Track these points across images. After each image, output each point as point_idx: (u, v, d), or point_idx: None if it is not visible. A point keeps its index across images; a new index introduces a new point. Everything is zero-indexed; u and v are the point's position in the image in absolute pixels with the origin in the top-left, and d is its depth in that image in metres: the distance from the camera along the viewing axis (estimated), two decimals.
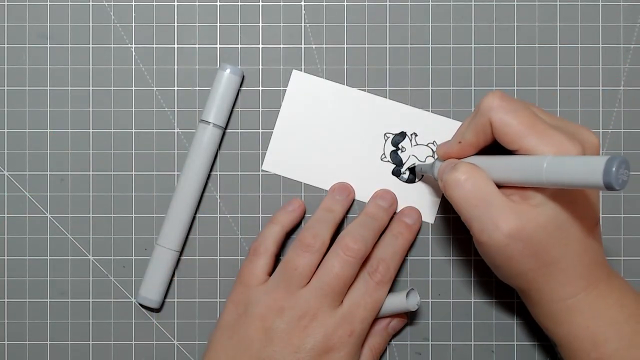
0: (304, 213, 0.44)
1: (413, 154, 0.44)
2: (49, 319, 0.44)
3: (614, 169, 0.29)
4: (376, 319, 0.42)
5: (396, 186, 0.44)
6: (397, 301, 0.41)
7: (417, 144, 0.44)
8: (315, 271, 0.40)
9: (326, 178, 0.44)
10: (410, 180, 0.44)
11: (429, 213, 0.44)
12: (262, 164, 0.44)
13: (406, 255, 0.44)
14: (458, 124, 0.44)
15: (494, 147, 0.37)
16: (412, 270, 0.44)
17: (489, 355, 0.45)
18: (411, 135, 0.44)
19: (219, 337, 0.40)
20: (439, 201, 0.44)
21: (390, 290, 0.41)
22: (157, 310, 0.44)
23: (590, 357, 0.37)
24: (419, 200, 0.44)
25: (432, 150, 0.44)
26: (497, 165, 0.36)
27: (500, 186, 0.36)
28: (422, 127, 0.44)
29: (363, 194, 0.44)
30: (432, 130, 0.44)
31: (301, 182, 0.44)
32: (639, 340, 0.37)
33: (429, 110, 0.44)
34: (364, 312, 0.40)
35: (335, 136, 0.44)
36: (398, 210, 0.44)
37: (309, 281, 0.40)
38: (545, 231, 0.35)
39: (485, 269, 0.44)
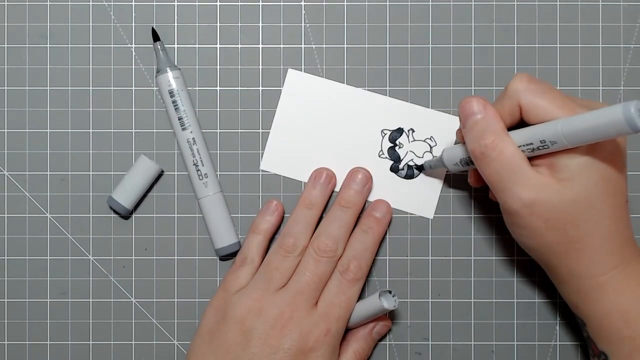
0: (283, 213, 0.44)
1: (411, 150, 0.44)
2: (49, 319, 0.44)
3: (632, 110, 0.30)
4: (360, 325, 0.43)
5: (395, 182, 0.44)
6: (372, 304, 0.41)
7: (415, 140, 0.44)
8: (293, 272, 0.41)
9: None
10: (408, 176, 0.44)
11: (428, 208, 0.44)
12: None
13: (408, 255, 0.44)
14: (455, 118, 0.44)
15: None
16: (412, 270, 0.44)
17: (489, 355, 0.45)
18: (408, 131, 0.44)
19: (198, 344, 0.41)
20: (438, 196, 0.44)
21: (368, 292, 0.41)
22: (124, 218, 0.44)
23: (622, 335, 0.37)
24: (417, 195, 0.44)
25: (430, 145, 0.44)
26: (521, 132, 0.36)
27: (531, 159, 0.36)
28: (419, 122, 0.44)
29: None
30: (429, 126, 0.44)
31: (301, 182, 0.44)
32: None
33: (428, 107, 0.44)
34: (339, 310, 0.41)
35: (332, 134, 0.44)
36: (371, 197, 0.44)
37: (286, 283, 0.41)
38: (573, 206, 0.35)
39: (486, 268, 0.44)
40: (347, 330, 0.42)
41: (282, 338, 0.39)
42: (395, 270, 0.44)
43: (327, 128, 0.44)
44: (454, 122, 0.44)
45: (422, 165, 0.44)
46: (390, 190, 0.44)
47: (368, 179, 0.44)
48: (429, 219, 0.44)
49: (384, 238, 0.44)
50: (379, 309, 0.40)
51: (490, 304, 0.45)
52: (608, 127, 0.32)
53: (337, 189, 0.44)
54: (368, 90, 0.44)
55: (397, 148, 0.44)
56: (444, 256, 0.45)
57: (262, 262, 0.43)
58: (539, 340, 0.44)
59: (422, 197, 0.44)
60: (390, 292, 0.40)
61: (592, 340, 0.38)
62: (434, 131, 0.44)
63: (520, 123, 0.37)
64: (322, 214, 0.44)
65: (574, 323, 0.44)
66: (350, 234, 0.43)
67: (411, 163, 0.44)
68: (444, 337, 0.45)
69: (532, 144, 0.35)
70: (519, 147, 0.36)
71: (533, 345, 0.44)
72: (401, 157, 0.44)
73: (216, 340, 0.40)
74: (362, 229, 0.43)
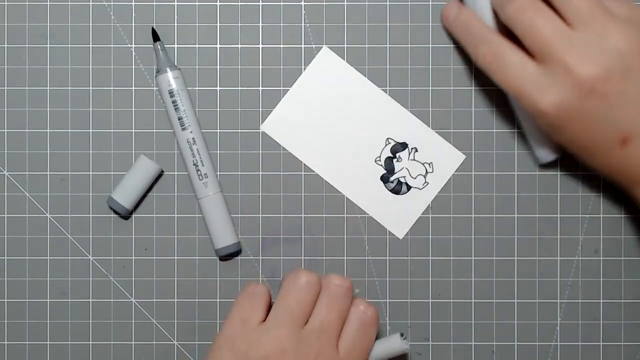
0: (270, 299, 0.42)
1: (407, 167, 0.44)
2: (49, 319, 0.44)
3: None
4: None
5: (380, 192, 0.44)
6: (392, 345, 0.41)
7: (414, 160, 0.44)
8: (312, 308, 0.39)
9: (317, 161, 0.44)
10: (395, 191, 0.44)
11: (401, 228, 0.44)
12: (261, 124, 0.44)
13: (408, 255, 0.44)
14: (460, 155, 0.44)
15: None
16: (412, 270, 0.44)
17: (489, 355, 0.45)
18: (412, 149, 0.44)
19: None
20: (416, 219, 0.44)
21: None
22: (124, 218, 0.44)
23: None
24: (396, 212, 0.44)
25: (426, 170, 0.44)
26: None
27: None
28: (425, 145, 0.44)
29: (348, 190, 0.44)
30: (433, 152, 0.44)
31: (301, 182, 0.44)
32: None
33: (430, 127, 0.44)
34: (360, 354, 0.40)
35: (339, 123, 0.44)
36: None
37: (307, 321, 0.39)
38: (613, 55, 0.36)
39: (486, 268, 0.44)
40: None
41: None
42: (396, 271, 0.44)
43: (337, 116, 0.44)
44: (456, 156, 0.44)
45: (401, 181, 0.44)
46: (373, 198, 0.44)
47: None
48: (398, 238, 0.44)
49: (383, 237, 0.44)
50: (398, 349, 0.41)
51: (490, 304, 0.45)
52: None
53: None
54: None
55: (394, 160, 0.44)
56: (444, 256, 0.45)
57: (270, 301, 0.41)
58: (539, 340, 0.44)
59: (400, 216, 0.44)
60: (402, 334, 0.41)
61: None
62: (435, 158, 0.44)
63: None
64: None
65: (574, 323, 0.44)
66: None
67: (402, 180, 0.44)
68: (444, 338, 0.45)
69: None
70: None
71: (533, 345, 0.44)
72: (395, 170, 0.44)
73: None
74: None
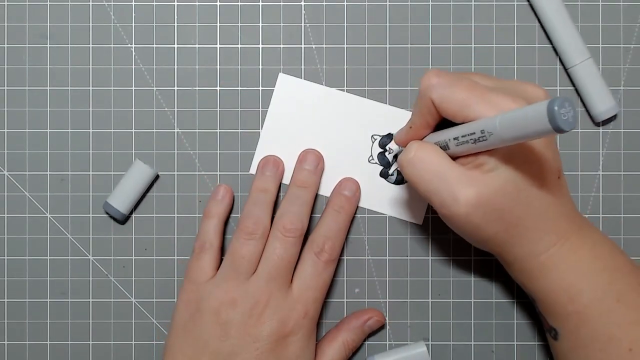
0: (233, 197, 0.44)
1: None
2: (49, 319, 0.44)
3: (555, 108, 0.29)
4: (352, 315, 0.43)
5: (384, 188, 0.44)
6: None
7: None
8: (260, 257, 0.41)
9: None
10: (398, 182, 0.44)
11: (417, 214, 0.44)
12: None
13: (408, 255, 0.44)
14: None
15: (449, 122, 0.37)
16: (412, 270, 0.44)
17: (489, 355, 0.45)
18: None
19: (174, 339, 0.40)
20: (427, 203, 0.44)
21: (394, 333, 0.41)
22: (121, 223, 0.44)
23: (567, 310, 0.37)
24: (407, 201, 0.44)
25: None
26: (450, 136, 0.36)
27: (456, 158, 0.37)
28: None
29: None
30: None
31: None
32: (612, 290, 0.37)
33: (408, 109, 0.44)
34: (315, 292, 0.41)
35: (322, 139, 0.44)
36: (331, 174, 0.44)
37: (256, 269, 0.40)
38: (503, 194, 0.35)
39: (486, 268, 0.44)
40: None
41: (261, 326, 0.39)
42: (395, 270, 0.44)
43: (317, 133, 0.44)
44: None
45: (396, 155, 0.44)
46: (380, 196, 0.44)
47: (319, 159, 0.44)
48: (419, 225, 0.44)
49: (383, 237, 0.44)
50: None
51: (490, 304, 0.45)
52: (533, 122, 0.31)
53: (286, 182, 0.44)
54: (369, 91, 0.44)
55: (386, 153, 0.44)
56: (443, 256, 0.45)
57: (220, 244, 0.43)
58: (538, 340, 0.44)
59: (412, 203, 0.44)
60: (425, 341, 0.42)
61: (543, 315, 0.39)
62: None
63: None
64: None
65: None
66: (321, 214, 0.43)
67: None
68: (444, 337, 0.45)
69: (474, 133, 0.35)
70: (461, 137, 0.35)
71: (533, 345, 0.44)
72: (391, 163, 0.44)
73: (192, 334, 0.40)
74: (334, 209, 0.43)
